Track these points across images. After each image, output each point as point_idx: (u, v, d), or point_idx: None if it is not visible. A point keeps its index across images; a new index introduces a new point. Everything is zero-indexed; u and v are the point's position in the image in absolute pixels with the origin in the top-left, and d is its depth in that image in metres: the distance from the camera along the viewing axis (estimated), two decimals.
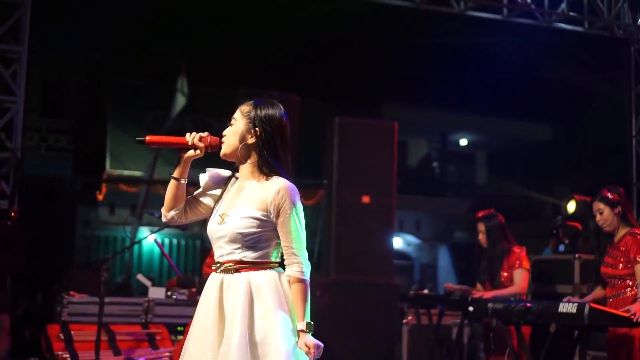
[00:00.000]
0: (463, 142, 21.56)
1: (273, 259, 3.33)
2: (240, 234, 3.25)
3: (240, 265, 3.27)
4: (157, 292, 7.88)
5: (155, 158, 12.93)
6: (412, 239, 20.04)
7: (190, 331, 3.33)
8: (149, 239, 11.73)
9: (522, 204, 19.28)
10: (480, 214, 6.82)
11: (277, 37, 13.11)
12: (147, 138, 3.34)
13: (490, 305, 5.86)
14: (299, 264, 3.27)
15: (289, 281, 3.28)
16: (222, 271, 3.30)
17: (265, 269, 3.30)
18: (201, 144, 3.35)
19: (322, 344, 3.24)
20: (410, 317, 8.47)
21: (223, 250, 3.31)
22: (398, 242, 18.78)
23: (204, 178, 3.48)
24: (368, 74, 15.30)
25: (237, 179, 3.44)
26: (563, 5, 9.95)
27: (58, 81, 16.73)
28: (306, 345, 3.21)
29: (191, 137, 3.35)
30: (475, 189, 20.87)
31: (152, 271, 16.00)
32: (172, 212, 3.42)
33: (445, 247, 20.48)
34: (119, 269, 15.13)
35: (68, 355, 6.92)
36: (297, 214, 3.28)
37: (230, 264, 3.28)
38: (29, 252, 6.39)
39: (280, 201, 3.26)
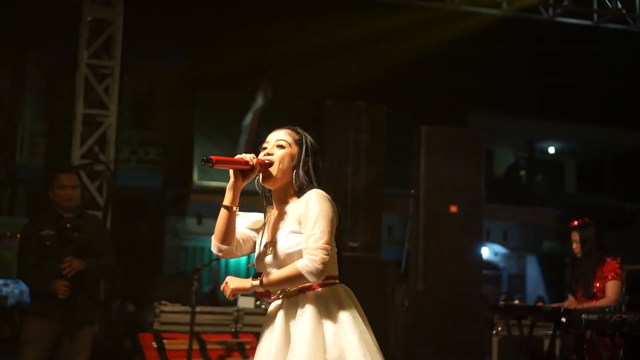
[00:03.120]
0: (551, 150, 21.20)
1: (332, 273, 3.19)
2: (289, 254, 3.13)
3: (300, 288, 3.15)
4: (246, 302, 7.90)
5: None
6: (499, 248, 19.75)
7: (255, 356, 3.21)
8: None
9: (612, 213, 18.83)
10: (574, 223, 6.70)
11: (361, 48, 13.14)
12: (214, 158, 3.11)
13: (584, 316, 5.71)
14: (312, 259, 3.03)
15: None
16: (283, 297, 3.19)
17: (326, 285, 3.17)
18: (257, 165, 3.17)
19: (232, 289, 3.16)
20: (500, 328, 8.35)
21: None
22: (485, 252, 18.53)
23: (243, 221, 3.34)
24: (453, 82, 15.19)
25: (271, 209, 3.34)
26: None
27: (148, 94, 17.11)
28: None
29: (250, 158, 3.17)
30: (564, 197, 20.43)
31: None
32: (225, 247, 3.22)
33: (533, 257, 20.11)
34: (206, 278, 15.35)
35: None
36: (320, 206, 3.11)
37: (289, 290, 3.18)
38: (120, 263, 6.49)
39: (308, 202, 3.15)
